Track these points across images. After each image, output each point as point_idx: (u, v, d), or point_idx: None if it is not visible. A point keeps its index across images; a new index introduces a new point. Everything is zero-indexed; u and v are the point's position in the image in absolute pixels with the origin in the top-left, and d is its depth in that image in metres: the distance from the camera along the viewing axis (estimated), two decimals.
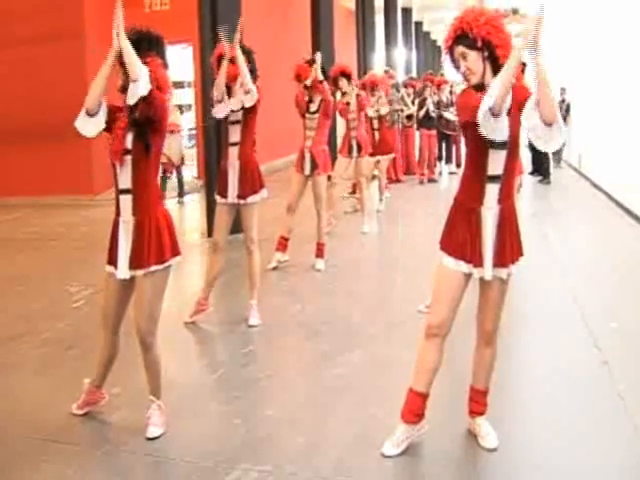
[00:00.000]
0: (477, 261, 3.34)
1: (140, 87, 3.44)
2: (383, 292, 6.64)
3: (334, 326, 5.48)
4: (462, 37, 3.23)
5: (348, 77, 8.66)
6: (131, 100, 3.49)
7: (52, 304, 6.40)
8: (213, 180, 9.10)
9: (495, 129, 3.10)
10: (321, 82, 6.96)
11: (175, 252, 3.71)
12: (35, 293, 6.82)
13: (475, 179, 3.35)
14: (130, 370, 4.26)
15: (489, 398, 3.64)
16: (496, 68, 3.20)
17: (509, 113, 3.25)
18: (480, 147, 3.29)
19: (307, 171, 7.13)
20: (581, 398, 4.12)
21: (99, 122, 3.59)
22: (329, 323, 5.55)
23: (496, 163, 3.30)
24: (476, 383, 3.63)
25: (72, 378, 4.58)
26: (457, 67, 3.35)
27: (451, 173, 14.79)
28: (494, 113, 3.05)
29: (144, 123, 3.58)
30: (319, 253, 7.31)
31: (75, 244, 9.38)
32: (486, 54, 3.22)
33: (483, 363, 3.58)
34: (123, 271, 3.64)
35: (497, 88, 3.02)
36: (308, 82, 6.96)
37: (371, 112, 10.18)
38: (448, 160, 15.12)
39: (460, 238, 3.36)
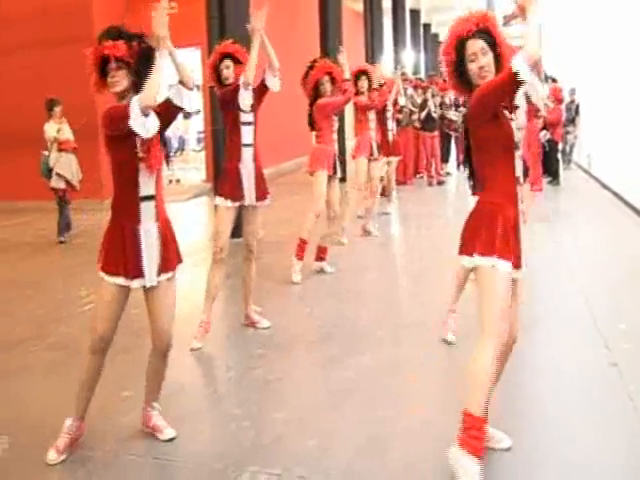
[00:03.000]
0: (516, 263, 3.23)
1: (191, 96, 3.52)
2: (392, 295, 6.63)
3: (343, 329, 5.47)
4: (483, 33, 3.16)
5: (368, 77, 8.75)
6: (189, 106, 3.52)
7: (60, 308, 6.42)
8: None
9: (533, 86, 3.05)
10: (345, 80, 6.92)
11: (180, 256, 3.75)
12: (43, 297, 6.84)
13: (506, 180, 3.23)
14: (140, 373, 4.25)
15: (497, 399, 3.62)
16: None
17: (512, 114, 3.24)
18: (507, 147, 3.21)
19: (339, 173, 7.14)
20: (590, 399, 4.10)
21: (156, 119, 3.40)
22: (338, 326, 5.54)
23: (518, 164, 3.25)
24: None
25: None
26: (455, 69, 3.26)
27: (448, 174, 14.78)
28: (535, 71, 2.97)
29: (163, 130, 3.59)
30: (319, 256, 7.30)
31: (83, 248, 9.40)
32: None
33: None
34: (151, 279, 3.55)
35: (531, 43, 2.94)
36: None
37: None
38: (445, 160, 15.02)
39: (511, 241, 3.20)
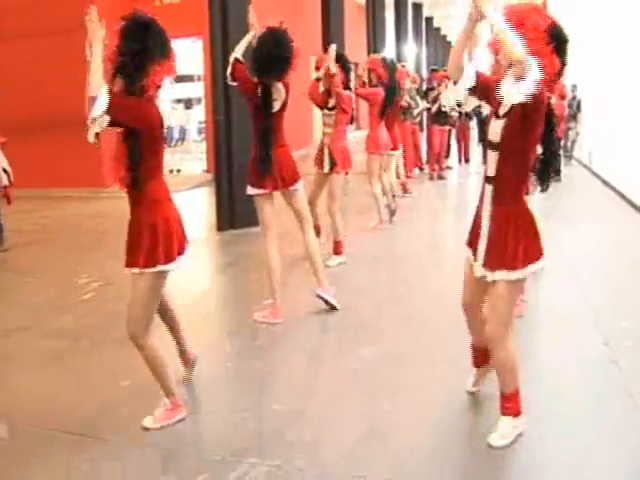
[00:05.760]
0: (475, 256, 3.52)
1: (95, 110, 3.34)
2: (393, 287, 6.62)
3: (344, 321, 5.46)
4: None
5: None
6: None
7: (61, 296, 6.41)
8: (223, 173, 9.11)
9: (453, 93, 3.35)
10: (333, 76, 6.75)
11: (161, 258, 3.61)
12: (44, 285, 6.83)
13: (484, 176, 3.47)
14: (142, 363, 4.25)
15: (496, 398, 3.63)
16: None
17: (507, 114, 3.24)
18: (485, 145, 3.40)
19: (326, 168, 7.03)
20: (590, 396, 4.09)
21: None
22: (339, 318, 5.54)
23: (491, 164, 3.37)
24: (499, 385, 3.61)
25: (80, 370, 4.60)
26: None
27: (448, 168, 14.74)
28: (454, 80, 3.31)
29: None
30: (336, 250, 7.26)
31: (85, 236, 9.40)
32: None
33: (495, 367, 3.57)
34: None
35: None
36: (320, 74, 6.87)
37: None
38: (446, 154, 14.92)
39: (472, 232, 3.56)
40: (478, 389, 4.02)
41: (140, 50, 3.46)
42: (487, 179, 3.40)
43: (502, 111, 3.27)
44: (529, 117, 3.19)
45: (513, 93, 3.05)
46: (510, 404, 3.54)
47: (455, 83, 3.34)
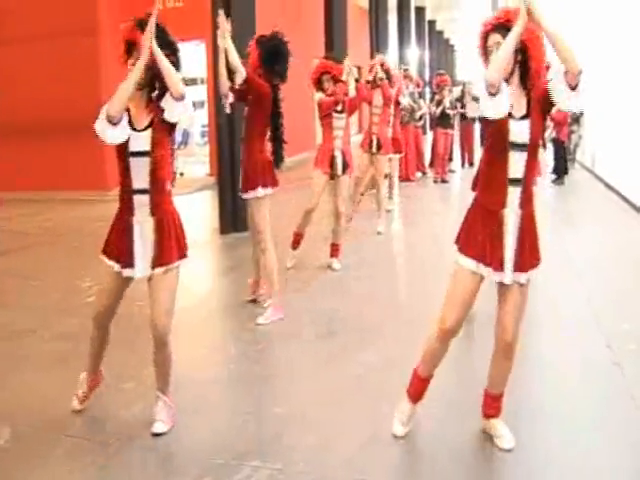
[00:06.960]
0: (497, 265, 3.29)
1: (189, 107, 3.48)
2: (396, 291, 6.62)
3: (347, 325, 5.46)
4: (502, 27, 3.21)
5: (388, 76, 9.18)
6: (175, 118, 3.50)
7: (65, 299, 6.42)
8: (226, 177, 9.12)
9: (496, 107, 3.13)
10: (357, 80, 7.02)
11: (186, 248, 3.75)
12: (48, 288, 6.84)
13: (497, 181, 3.30)
14: (144, 366, 4.26)
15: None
16: (524, 76, 3.23)
17: (529, 115, 3.23)
18: (500, 147, 3.26)
19: (340, 172, 6.99)
20: (593, 399, 4.09)
21: (124, 129, 3.47)
22: (342, 322, 5.54)
23: (516, 166, 3.26)
24: (491, 388, 3.59)
25: None
26: (486, 58, 3.33)
27: (451, 171, 14.73)
28: (490, 91, 3.07)
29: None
30: (335, 253, 7.25)
31: (88, 240, 9.39)
32: (519, 58, 3.21)
33: (501, 373, 3.53)
34: (142, 270, 3.62)
35: (495, 60, 3.09)
36: (344, 77, 6.93)
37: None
38: (449, 158, 14.91)
39: (480, 240, 3.31)
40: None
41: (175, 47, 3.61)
42: (512, 182, 3.26)
43: (519, 113, 3.25)
44: (546, 116, 3.27)
45: (568, 101, 3.10)
46: (501, 403, 3.60)
47: (492, 94, 3.09)
